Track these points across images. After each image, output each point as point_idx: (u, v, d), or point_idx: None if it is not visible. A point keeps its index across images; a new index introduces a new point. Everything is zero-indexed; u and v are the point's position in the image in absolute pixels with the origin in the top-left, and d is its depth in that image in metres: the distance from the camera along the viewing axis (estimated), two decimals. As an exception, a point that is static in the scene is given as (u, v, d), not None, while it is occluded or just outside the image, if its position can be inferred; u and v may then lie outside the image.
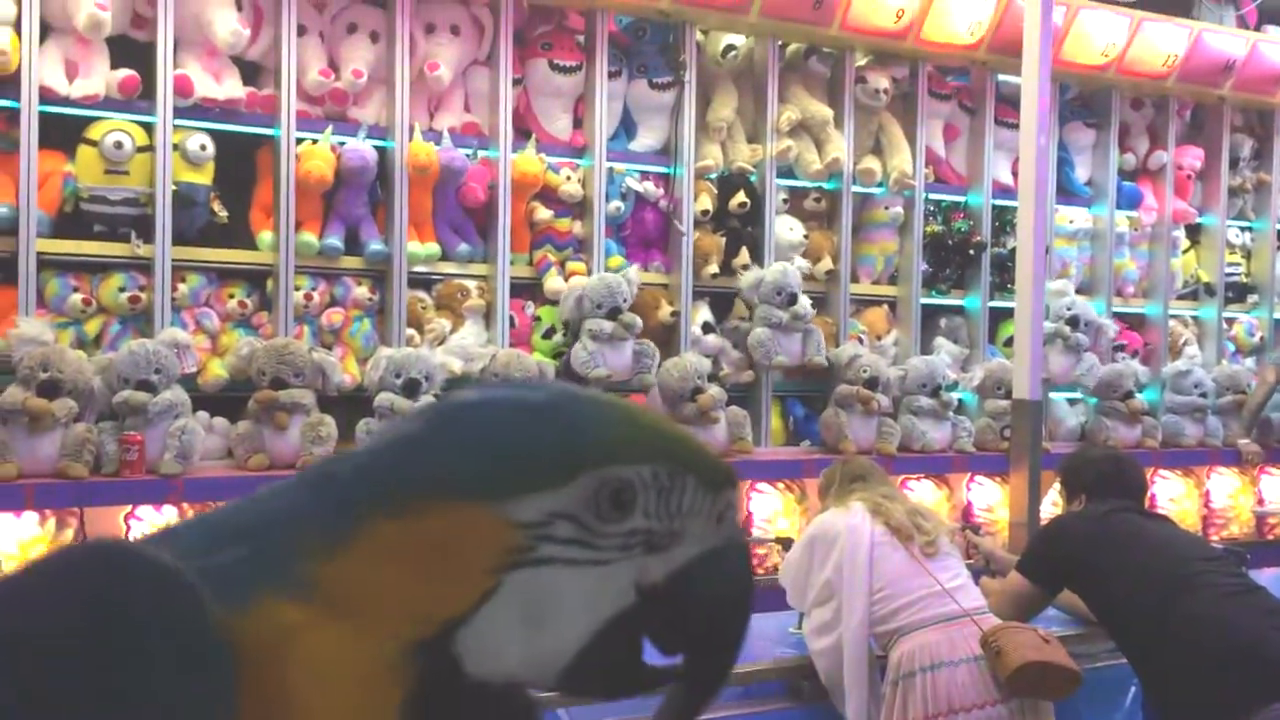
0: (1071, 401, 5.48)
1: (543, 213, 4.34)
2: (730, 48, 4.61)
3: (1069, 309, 5.16)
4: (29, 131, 3.53)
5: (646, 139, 4.55)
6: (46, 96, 3.57)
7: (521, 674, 0.68)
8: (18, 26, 3.52)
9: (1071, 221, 5.51)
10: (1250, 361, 5.90)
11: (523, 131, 4.32)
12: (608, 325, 4.17)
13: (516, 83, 4.31)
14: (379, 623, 0.64)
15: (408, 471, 0.68)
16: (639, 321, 4.25)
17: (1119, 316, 5.62)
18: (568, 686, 0.71)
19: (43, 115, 3.57)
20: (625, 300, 4.22)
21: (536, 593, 0.67)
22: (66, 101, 3.62)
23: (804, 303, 4.55)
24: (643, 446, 0.71)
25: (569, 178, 4.37)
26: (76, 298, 3.66)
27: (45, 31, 3.61)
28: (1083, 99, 5.59)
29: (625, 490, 0.69)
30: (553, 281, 4.29)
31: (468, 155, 4.17)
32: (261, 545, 0.67)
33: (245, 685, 0.62)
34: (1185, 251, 5.92)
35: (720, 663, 0.77)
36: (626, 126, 4.57)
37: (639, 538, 0.70)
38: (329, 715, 0.64)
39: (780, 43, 4.73)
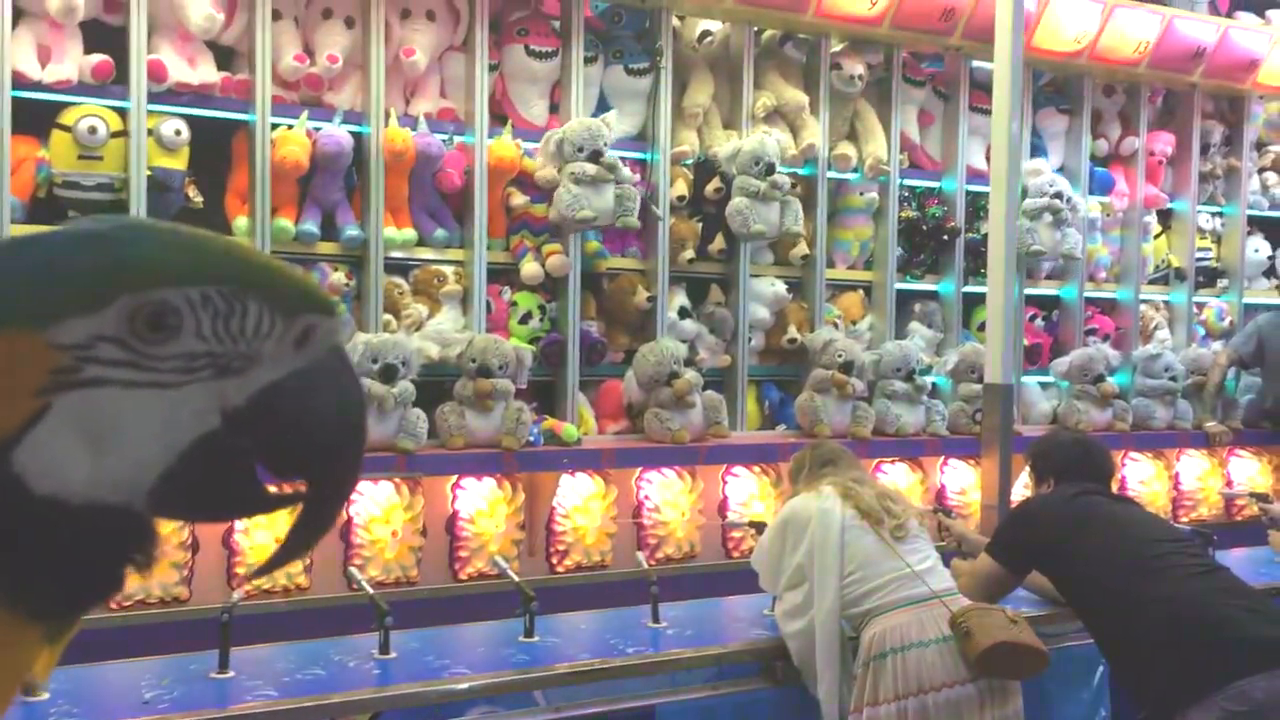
0: (1044, 385, 5.54)
1: (519, 198, 4.34)
2: (706, 34, 4.63)
3: (1052, 185, 5.22)
4: (1, 117, 3.51)
5: (623, 125, 4.56)
6: (19, 81, 3.56)
7: (100, 494, 0.70)
8: (-11, 11, 3.50)
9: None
10: (1218, 345, 5.97)
11: (499, 117, 4.33)
12: (590, 168, 4.17)
13: (493, 68, 4.32)
14: None
15: None
16: (620, 163, 4.26)
17: (1091, 302, 5.68)
18: (168, 508, 0.74)
19: (15, 100, 3.55)
20: (606, 144, 4.21)
21: (93, 413, 0.69)
22: (39, 86, 3.61)
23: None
24: (193, 269, 0.72)
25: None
26: (51, 284, 3.65)
27: (17, 16, 3.60)
28: (1055, 85, 5.63)
29: (164, 312, 0.71)
30: (529, 267, 4.30)
31: (444, 141, 4.18)
32: None
33: None
34: (1157, 237, 5.98)
35: (331, 484, 0.78)
36: (602, 112, 4.58)
37: (202, 360, 0.72)
38: None
39: (756, 29, 4.76)
